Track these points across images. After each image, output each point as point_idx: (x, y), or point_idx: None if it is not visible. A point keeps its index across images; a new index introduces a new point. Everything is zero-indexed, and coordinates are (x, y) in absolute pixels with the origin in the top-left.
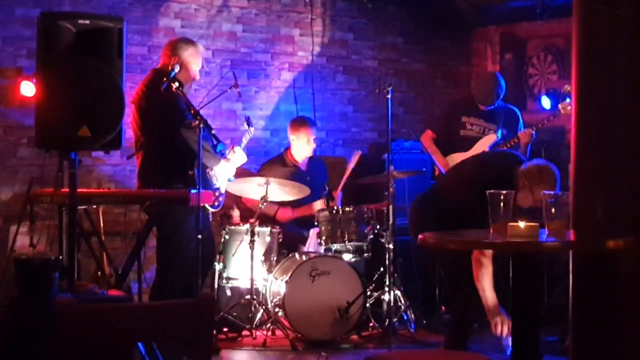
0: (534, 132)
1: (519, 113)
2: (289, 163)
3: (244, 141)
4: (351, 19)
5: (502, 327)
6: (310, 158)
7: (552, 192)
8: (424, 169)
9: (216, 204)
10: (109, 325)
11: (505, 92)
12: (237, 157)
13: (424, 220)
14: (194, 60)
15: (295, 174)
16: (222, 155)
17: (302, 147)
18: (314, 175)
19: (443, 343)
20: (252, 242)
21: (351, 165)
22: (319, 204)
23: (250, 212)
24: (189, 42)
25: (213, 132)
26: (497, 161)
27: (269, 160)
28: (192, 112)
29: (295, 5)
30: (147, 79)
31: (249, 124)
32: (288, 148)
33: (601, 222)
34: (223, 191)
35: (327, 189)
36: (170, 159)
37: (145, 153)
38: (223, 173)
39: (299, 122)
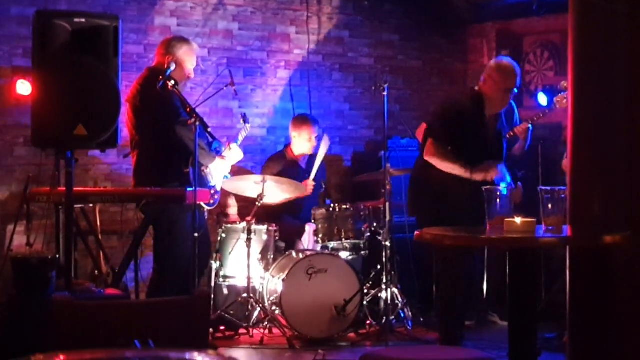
0: (530, 126)
1: (514, 106)
2: (289, 159)
3: (240, 138)
4: (347, 16)
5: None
6: (311, 156)
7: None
8: None
9: (212, 202)
10: (106, 323)
11: None
12: (234, 153)
13: (418, 201)
14: (189, 58)
15: (295, 171)
16: (218, 152)
17: (303, 144)
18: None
19: (438, 340)
20: (248, 240)
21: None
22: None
23: (247, 210)
24: (184, 40)
25: (209, 129)
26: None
27: (270, 157)
28: (187, 110)
29: (291, 3)
30: (142, 77)
31: (246, 120)
32: (288, 145)
33: (598, 218)
34: (219, 189)
35: (324, 187)
36: (166, 157)
37: (140, 152)
38: (218, 171)
39: (302, 120)
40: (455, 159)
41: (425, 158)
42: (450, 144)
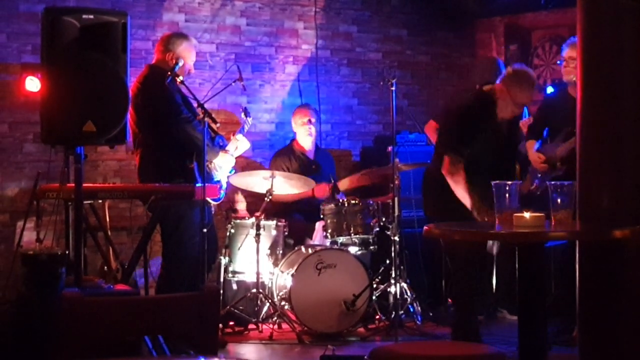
0: None
1: None
2: (297, 151)
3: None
4: (355, 11)
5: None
6: (317, 148)
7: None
8: (429, 161)
9: (218, 197)
10: (115, 319)
11: None
12: (240, 144)
13: (428, 198)
14: (189, 54)
15: (303, 161)
16: (221, 147)
17: (301, 130)
18: (321, 164)
19: (450, 335)
20: (257, 235)
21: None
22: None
23: (257, 206)
24: (183, 36)
25: (218, 125)
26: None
27: (277, 152)
28: (196, 104)
29: None
30: (142, 75)
31: (247, 114)
32: (295, 138)
33: (607, 212)
34: (224, 184)
35: (333, 180)
36: (169, 154)
37: (143, 150)
38: (223, 166)
39: (295, 109)
40: (469, 191)
41: (442, 172)
42: (466, 153)
